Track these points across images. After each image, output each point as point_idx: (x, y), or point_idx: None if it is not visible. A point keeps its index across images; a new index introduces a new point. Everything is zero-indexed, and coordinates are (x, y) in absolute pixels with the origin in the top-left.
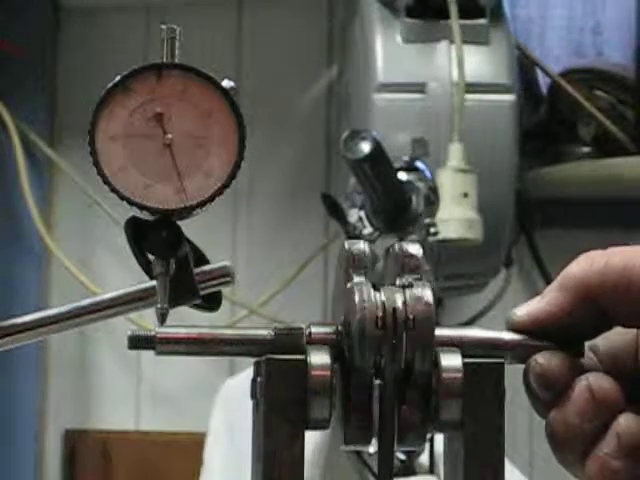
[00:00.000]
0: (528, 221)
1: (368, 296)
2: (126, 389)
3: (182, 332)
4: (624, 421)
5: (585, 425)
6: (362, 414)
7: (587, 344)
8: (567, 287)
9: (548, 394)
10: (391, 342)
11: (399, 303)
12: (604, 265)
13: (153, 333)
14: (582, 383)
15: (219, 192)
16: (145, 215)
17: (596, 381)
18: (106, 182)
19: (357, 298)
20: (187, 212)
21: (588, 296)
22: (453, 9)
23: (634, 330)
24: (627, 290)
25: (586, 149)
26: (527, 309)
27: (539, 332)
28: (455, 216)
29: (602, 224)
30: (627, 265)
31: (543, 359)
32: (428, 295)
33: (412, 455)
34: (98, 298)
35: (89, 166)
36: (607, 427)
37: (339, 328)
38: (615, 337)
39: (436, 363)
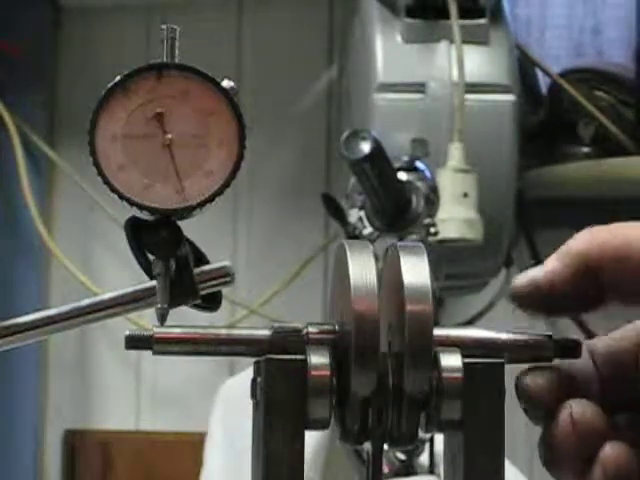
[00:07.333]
0: (528, 221)
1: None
2: (126, 389)
3: (179, 332)
4: (609, 450)
5: (571, 453)
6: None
7: (585, 344)
8: (568, 259)
9: (535, 412)
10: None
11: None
12: (605, 239)
13: (150, 333)
14: (564, 412)
15: (219, 192)
16: (145, 215)
17: (578, 409)
18: (106, 182)
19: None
20: (187, 212)
21: (588, 269)
22: (453, 9)
23: (633, 332)
24: (627, 265)
25: (586, 149)
26: (529, 277)
27: (540, 302)
28: (455, 216)
29: (602, 224)
30: (627, 239)
31: (529, 379)
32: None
33: (412, 455)
34: (98, 298)
35: (89, 166)
36: (595, 453)
37: (336, 327)
38: (614, 339)
39: (436, 363)
